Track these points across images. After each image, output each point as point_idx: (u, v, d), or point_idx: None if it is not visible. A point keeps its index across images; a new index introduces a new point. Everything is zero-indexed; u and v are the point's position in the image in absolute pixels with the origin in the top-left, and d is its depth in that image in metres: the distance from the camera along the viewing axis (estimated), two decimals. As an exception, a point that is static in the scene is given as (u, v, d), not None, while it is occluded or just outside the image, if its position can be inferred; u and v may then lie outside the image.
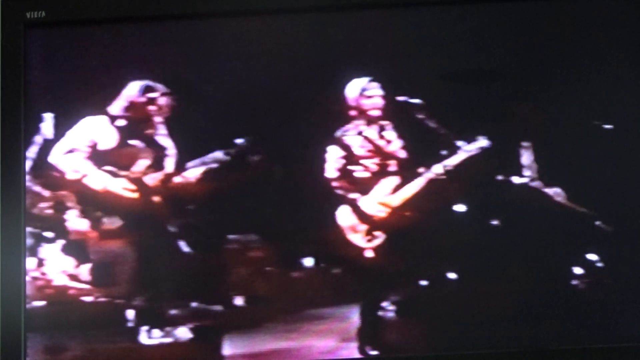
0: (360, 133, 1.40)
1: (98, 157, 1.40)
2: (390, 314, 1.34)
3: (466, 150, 1.37)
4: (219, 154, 1.39)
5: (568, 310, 1.33)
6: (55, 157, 1.39)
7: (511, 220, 1.36)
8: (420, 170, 1.38)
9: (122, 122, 1.41)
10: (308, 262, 1.36)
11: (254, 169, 1.38)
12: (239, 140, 1.39)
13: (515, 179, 1.37)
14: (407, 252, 1.36)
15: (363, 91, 1.40)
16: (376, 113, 1.41)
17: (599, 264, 1.34)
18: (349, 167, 1.39)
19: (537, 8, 1.42)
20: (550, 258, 1.35)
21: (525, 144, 1.38)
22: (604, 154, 1.37)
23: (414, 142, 1.40)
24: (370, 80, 1.40)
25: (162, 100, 1.42)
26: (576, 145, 1.38)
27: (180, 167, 1.39)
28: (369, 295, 1.35)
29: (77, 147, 1.40)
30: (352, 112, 1.41)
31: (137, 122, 1.41)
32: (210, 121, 1.40)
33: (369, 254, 1.36)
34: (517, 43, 1.41)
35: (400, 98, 1.40)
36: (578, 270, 1.34)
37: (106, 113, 1.41)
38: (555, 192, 1.37)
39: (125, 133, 1.41)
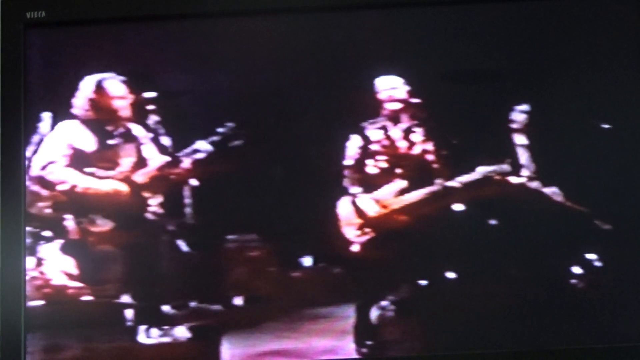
0: (383, 128, 1.40)
1: (94, 159, 1.40)
2: (390, 314, 1.34)
3: (484, 172, 1.37)
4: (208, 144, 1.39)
5: (567, 310, 1.33)
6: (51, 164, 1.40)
7: (509, 220, 1.35)
8: (431, 180, 1.38)
9: (121, 122, 1.41)
10: (307, 261, 1.36)
11: (253, 167, 1.39)
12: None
13: (515, 179, 1.37)
14: (405, 251, 1.36)
15: (384, 89, 1.40)
16: (392, 111, 1.41)
17: (598, 264, 1.34)
18: (363, 161, 1.39)
19: (537, 8, 1.41)
20: (549, 258, 1.34)
21: (522, 142, 1.38)
22: (603, 154, 1.37)
23: (429, 149, 1.40)
24: (397, 79, 1.40)
25: (164, 100, 1.42)
26: (575, 144, 1.38)
27: (179, 163, 1.40)
28: (368, 294, 1.35)
29: (72, 150, 1.40)
30: (372, 109, 1.41)
31: (136, 122, 1.41)
32: (216, 120, 1.41)
33: (363, 250, 1.36)
34: (517, 43, 1.41)
35: (417, 100, 1.41)
36: (577, 270, 1.34)
37: (105, 112, 1.42)
38: (553, 191, 1.36)
39: (127, 132, 1.41)
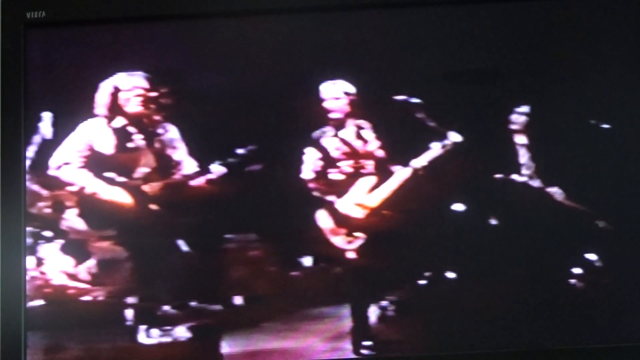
0: (336, 135, 1.41)
1: (97, 159, 1.40)
2: (389, 314, 1.34)
3: (438, 147, 1.37)
4: (216, 165, 1.39)
5: (567, 310, 1.33)
6: (54, 164, 1.40)
7: (510, 219, 1.35)
8: (396, 168, 1.38)
9: (121, 124, 1.41)
10: (307, 261, 1.36)
11: (252, 167, 1.39)
12: (239, 150, 1.39)
13: (513, 178, 1.37)
14: (405, 251, 1.36)
15: (341, 92, 1.40)
16: (351, 113, 1.41)
17: (598, 264, 1.34)
18: (327, 169, 1.39)
19: (537, 8, 1.41)
20: (549, 258, 1.34)
21: (523, 142, 1.37)
22: (603, 153, 1.37)
23: (392, 142, 1.39)
24: (346, 81, 1.40)
25: (160, 101, 1.42)
26: (575, 144, 1.38)
27: (179, 170, 1.40)
28: (367, 294, 1.35)
29: (76, 150, 1.40)
30: (329, 113, 1.41)
31: (135, 123, 1.41)
32: (206, 125, 1.41)
33: (351, 255, 1.36)
34: (516, 43, 1.41)
35: (395, 97, 1.40)
36: (577, 270, 1.34)
37: (105, 114, 1.42)
38: (553, 191, 1.36)
39: (124, 134, 1.41)
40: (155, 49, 1.42)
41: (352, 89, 1.40)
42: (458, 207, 1.36)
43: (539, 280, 1.34)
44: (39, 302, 1.35)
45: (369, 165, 1.39)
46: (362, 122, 1.41)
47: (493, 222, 1.36)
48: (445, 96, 1.40)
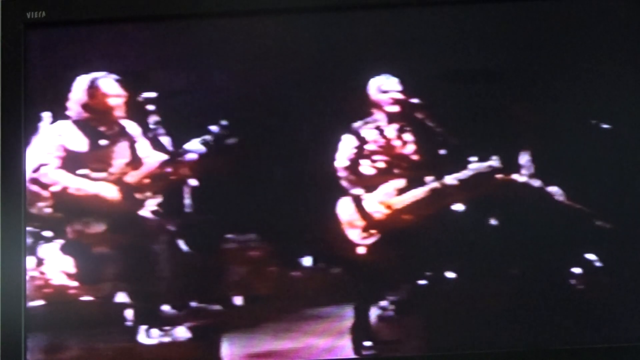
0: (377, 127, 1.40)
1: (91, 159, 1.40)
2: (389, 314, 1.34)
3: (476, 168, 1.37)
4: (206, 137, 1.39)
5: (567, 310, 1.33)
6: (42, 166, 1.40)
7: (510, 220, 1.35)
8: (427, 178, 1.38)
9: (120, 121, 1.41)
10: (307, 261, 1.36)
11: (252, 167, 1.39)
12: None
13: (515, 179, 1.37)
14: (405, 251, 1.36)
15: (380, 89, 1.40)
16: (390, 111, 1.41)
17: (598, 264, 1.34)
18: (359, 161, 1.39)
19: (537, 8, 1.41)
20: (549, 258, 1.34)
21: (525, 143, 1.38)
22: (604, 154, 1.37)
23: (425, 147, 1.39)
24: (390, 78, 1.40)
25: (163, 100, 1.42)
26: (575, 144, 1.38)
27: (178, 163, 1.40)
28: (367, 294, 1.35)
29: (66, 152, 1.40)
30: (367, 109, 1.41)
31: (135, 121, 1.42)
32: (212, 120, 1.41)
33: (362, 250, 1.36)
34: (517, 43, 1.41)
35: (413, 100, 1.40)
36: (577, 270, 1.34)
37: (106, 112, 1.42)
38: (554, 191, 1.36)
39: (124, 132, 1.41)
40: (157, 49, 1.42)
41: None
42: (458, 207, 1.36)
43: (539, 280, 1.34)
44: (39, 302, 1.35)
45: (399, 166, 1.39)
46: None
47: (493, 222, 1.36)
48: (444, 96, 1.40)
